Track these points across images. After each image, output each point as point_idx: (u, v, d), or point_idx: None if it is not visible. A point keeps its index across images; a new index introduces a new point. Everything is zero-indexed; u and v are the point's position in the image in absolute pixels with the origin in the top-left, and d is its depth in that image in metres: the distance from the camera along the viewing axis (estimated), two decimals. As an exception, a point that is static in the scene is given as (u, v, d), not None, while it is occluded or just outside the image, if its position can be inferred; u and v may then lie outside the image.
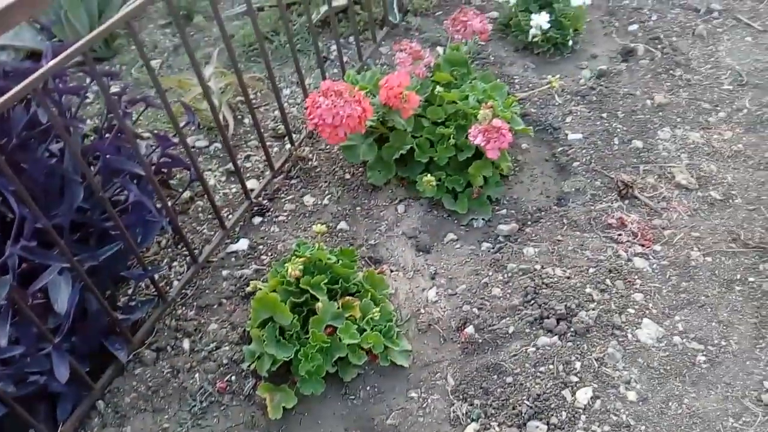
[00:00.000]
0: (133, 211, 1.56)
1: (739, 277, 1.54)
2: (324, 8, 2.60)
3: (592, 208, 1.75)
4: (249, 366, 1.40)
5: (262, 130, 2.22)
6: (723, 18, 2.42)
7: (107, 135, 1.56)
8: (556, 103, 2.10)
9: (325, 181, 1.95)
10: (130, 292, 1.64)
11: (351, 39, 2.60)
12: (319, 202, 1.88)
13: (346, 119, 1.58)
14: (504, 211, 1.79)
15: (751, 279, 1.53)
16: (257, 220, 1.84)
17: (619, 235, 1.65)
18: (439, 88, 1.82)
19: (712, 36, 2.33)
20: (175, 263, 1.75)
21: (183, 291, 1.64)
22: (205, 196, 1.96)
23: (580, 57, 2.33)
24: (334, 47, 2.59)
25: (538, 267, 1.59)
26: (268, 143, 2.17)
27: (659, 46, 2.29)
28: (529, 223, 1.75)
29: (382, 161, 1.85)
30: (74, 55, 1.20)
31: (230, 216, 1.87)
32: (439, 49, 2.39)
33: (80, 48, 1.22)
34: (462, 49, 2.03)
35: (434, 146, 1.81)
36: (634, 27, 2.41)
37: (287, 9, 2.76)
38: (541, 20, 2.24)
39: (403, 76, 1.74)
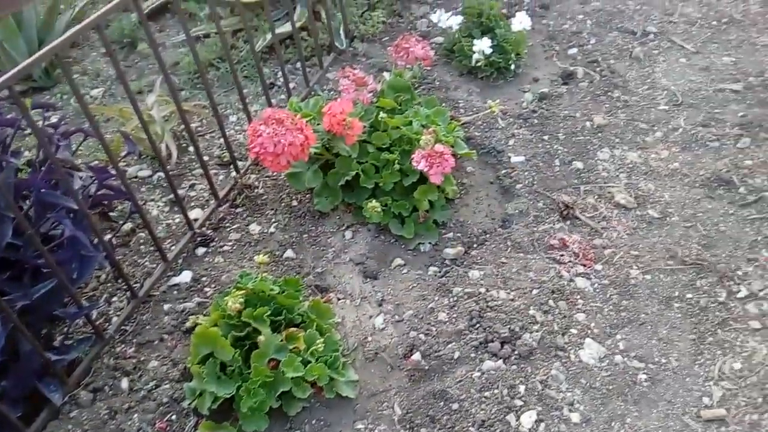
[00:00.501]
0: (68, 246, 1.51)
1: (677, 294, 1.58)
2: (270, 36, 2.60)
3: (535, 229, 1.77)
4: (190, 404, 1.36)
5: (208, 158, 2.20)
6: (658, 40, 2.51)
7: (43, 168, 1.52)
8: (500, 127, 2.14)
9: (272, 209, 1.92)
10: (67, 330, 1.58)
11: (299, 65, 2.60)
12: (266, 231, 1.85)
13: (288, 147, 1.57)
14: (450, 235, 1.80)
15: (689, 295, 1.57)
16: (201, 250, 1.81)
17: (561, 255, 1.68)
18: (382, 114, 1.83)
19: (649, 58, 2.42)
20: (114, 298, 1.70)
21: (122, 327, 1.59)
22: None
23: (523, 80, 2.37)
24: (281, 73, 2.59)
25: (483, 290, 1.60)
26: (213, 171, 2.14)
27: (598, 69, 2.36)
28: (475, 245, 1.76)
29: (328, 187, 1.84)
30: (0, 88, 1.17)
31: (173, 247, 1.83)
32: (386, 74, 2.40)
33: (4, 83, 1.18)
34: (406, 75, 2.05)
35: (379, 172, 1.82)
36: (573, 50, 2.48)
37: (234, 35, 2.74)
38: (483, 46, 2.28)
39: (346, 103, 1.74)
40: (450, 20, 2.38)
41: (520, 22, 2.29)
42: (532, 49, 2.52)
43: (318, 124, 1.80)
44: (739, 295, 1.56)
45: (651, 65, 2.38)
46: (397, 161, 1.78)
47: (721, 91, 2.21)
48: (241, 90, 1.97)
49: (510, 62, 2.36)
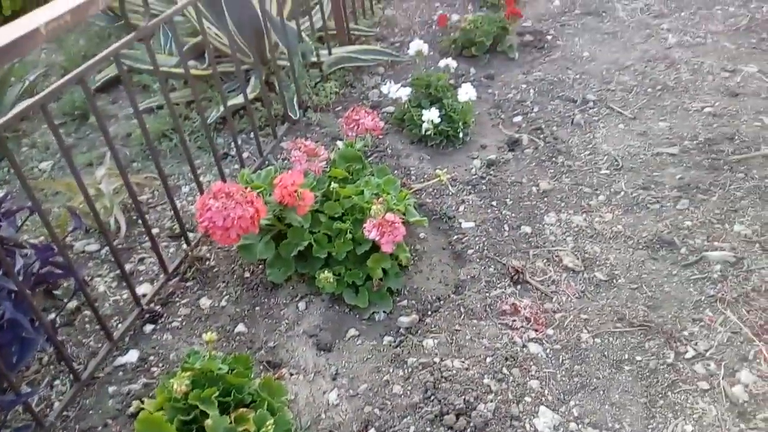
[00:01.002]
0: (8, 329, 1.45)
1: (627, 356, 1.60)
2: (223, 108, 2.63)
3: (488, 295, 1.79)
4: (134, 495, 1.29)
5: (159, 230, 2.18)
6: (597, 107, 2.63)
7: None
8: (450, 193, 2.18)
9: (223, 281, 1.90)
10: (3, 419, 1.49)
11: (253, 134, 2.63)
12: (216, 305, 1.82)
13: (238, 221, 1.56)
14: (405, 302, 1.80)
15: (638, 358, 1.60)
16: (149, 327, 1.76)
17: (514, 321, 1.69)
18: (334, 185, 1.85)
19: (589, 124, 2.53)
20: (57, 381, 1.63)
21: (64, 413, 1.52)
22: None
23: (471, 147, 2.45)
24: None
25: (437, 360, 1.60)
26: (164, 243, 2.11)
27: (542, 136, 2.45)
28: (429, 313, 1.77)
29: (280, 258, 1.83)
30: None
31: (120, 325, 1.77)
32: (339, 143, 2.45)
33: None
34: (357, 144, 2.09)
35: (332, 241, 1.82)
36: (518, 118, 2.58)
37: (188, 106, 2.77)
38: (432, 115, 2.36)
39: (297, 174, 1.76)
40: (399, 92, 2.45)
41: (466, 92, 2.38)
42: (479, 118, 2.61)
43: (270, 195, 1.81)
44: (686, 356, 1.60)
45: (591, 131, 2.49)
46: (349, 230, 1.79)
47: (658, 155, 2.32)
48: (191, 161, 1.97)
49: (458, 131, 2.43)
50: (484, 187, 2.19)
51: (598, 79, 2.82)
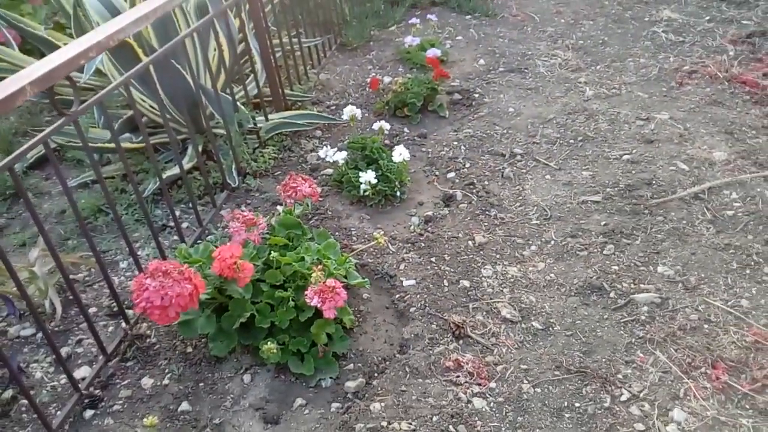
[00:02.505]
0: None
1: (566, 404, 1.66)
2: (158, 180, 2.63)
3: (431, 352, 1.83)
4: None
5: (97, 309, 2.13)
6: (525, 160, 2.77)
7: None
8: (391, 252, 2.24)
9: (165, 358, 1.87)
10: None
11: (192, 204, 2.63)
12: (159, 383, 1.79)
13: (176, 299, 1.56)
14: (351, 366, 1.82)
15: (577, 404, 1.66)
16: (89, 413, 1.71)
17: (458, 377, 1.73)
18: (274, 254, 1.88)
19: (518, 177, 2.66)
20: (-10, 480, 1.55)
21: None
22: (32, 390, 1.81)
23: (409, 205, 2.53)
24: (176, 212, 2.60)
25: (385, 423, 1.61)
26: (102, 322, 2.07)
27: (474, 191, 2.56)
28: (376, 374, 1.79)
29: (223, 331, 1.82)
30: None
31: (59, 412, 1.72)
32: (279, 208, 2.48)
33: None
34: (296, 210, 2.13)
35: (275, 310, 1.83)
36: (452, 174, 2.69)
37: (124, 179, 2.75)
38: (369, 177, 2.43)
39: (235, 247, 1.78)
40: (336, 155, 2.53)
41: (400, 153, 2.47)
42: (414, 175, 2.71)
43: (209, 269, 1.82)
44: (622, 399, 1.67)
45: (521, 183, 2.61)
46: (291, 298, 1.81)
47: (583, 203, 2.46)
48: (126, 238, 1.96)
49: (395, 190, 2.51)
50: (422, 245, 2.26)
51: (524, 132, 2.98)
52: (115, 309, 2.09)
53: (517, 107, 3.21)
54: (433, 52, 3.65)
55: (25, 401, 1.78)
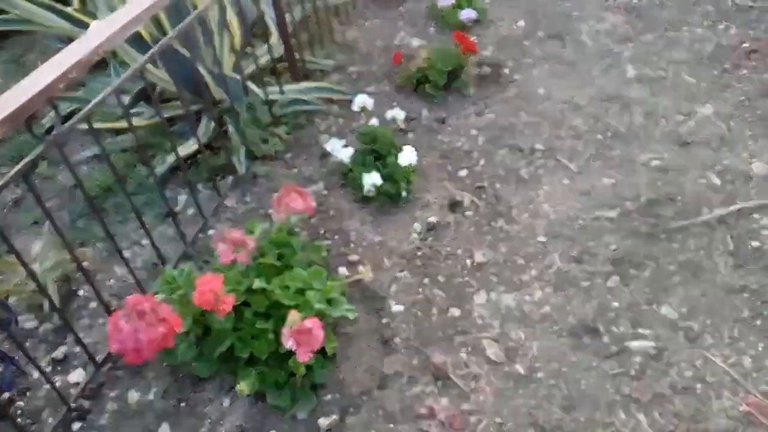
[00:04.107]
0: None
1: (533, 467, 1.65)
2: (171, 157, 2.61)
3: (408, 393, 1.82)
4: None
5: (96, 304, 2.20)
6: (545, 158, 2.61)
7: None
8: (385, 267, 2.19)
9: (153, 370, 1.93)
10: None
11: (200, 186, 2.62)
12: (144, 398, 1.86)
13: (149, 343, 1.58)
14: (329, 396, 1.84)
15: (545, 467, 1.64)
16: (77, 425, 1.81)
17: (429, 425, 1.73)
18: (258, 284, 1.86)
19: (534, 179, 2.51)
20: (-16, 489, 1.68)
21: None
22: (27, 393, 1.91)
23: (415, 206, 2.44)
24: (182, 197, 2.61)
25: (349, 471, 1.64)
26: (101, 320, 2.14)
27: (483, 196, 2.44)
28: (351, 410, 1.80)
29: (204, 357, 1.86)
30: None
31: (51, 419, 1.82)
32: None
33: None
34: (292, 220, 2.09)
35: (256, 338, 1.84)
36: (464, 172, 2.57)
37: (138, 151, 2.74)
38: (373, 179, 2.34)
39: (215, 279, 1.76)
40: (342, 152, 2.44)
41: (407, 157, 2.36)
42: (425, 169, 2.60)
43: (191, 295, 1.82)
44: (592, 465, 1.64)
45: (535, 188, 2.47)
46: (271, 330, 1.81)
47: (597, 219, 2.32)
48: (152, 240, 1.98)
49: (401, 190, 2.42)
50: (418, 262, 2.20)
51: (550, 122, 2.78)
52: (113, 308, 2.15)
53: (548, 88, 2.99)
54: (467, 14, 3.41)
55: (21, 403, 1.89)
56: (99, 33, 1.80)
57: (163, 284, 1.85)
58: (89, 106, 1.81)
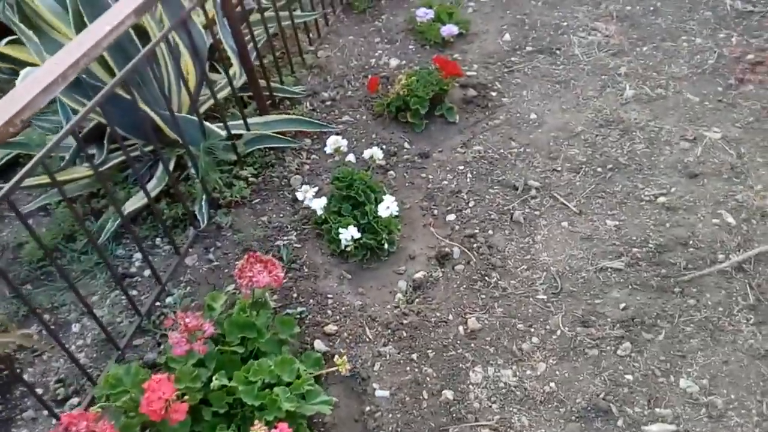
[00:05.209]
0: None
1: None
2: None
3: (396, 503, 1.58)
4: None
5: (43, 391, 1.93)
6: (541, 197, 2.36)
7: None
8: (367, 339, 1.94)
9: (103, 480, 1.67)
10: None
11: (158, 240, 2.35)
12: None
13: (84, 478, 1.33)
14: (306, 504, 1.59)
15: None
16: None
17: None
18: (215, 381, 1.60)
19: (530, 223, 2.27)
20: None
21: None
22: None
23: (399, 259, 2.19)
24: (138, 254, 2.33)
25: None
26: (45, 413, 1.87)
27: (475, 246, 2.19)
28: None
29: (158, 467, 1.60)
30: None
31: None
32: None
33: None
34: (257, 293, 1.83)
35: (218, 444, 1.59)
36: (452, 216, 2.31)
37: (91, 199, 2.47)
38: (350, 233, 2.09)
39: (167, 385, 1.50)
40: (315, 203, 2.17)
41: (387, 207, 2.11)
42: (410, 213, 2.34)
43: (139, 397, 1.56)
44: None
45: (531, 233, 2.23)
46: (235, 435, 1.56)
47: (602, 270, 2.08)
48: (91, 312, 1.71)
49: (383, 242, 2.17)
50: (404, 333, 1.94)
51: (544, 153, 2.54)
52: (60, 397, 1.89)
53: (540, 112, 2.74)
54: (449, 30, 3.14)
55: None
56: (35, 83, 1.52)
57: (106, 386, 1.59)
58: (45, 148, 1.54)
